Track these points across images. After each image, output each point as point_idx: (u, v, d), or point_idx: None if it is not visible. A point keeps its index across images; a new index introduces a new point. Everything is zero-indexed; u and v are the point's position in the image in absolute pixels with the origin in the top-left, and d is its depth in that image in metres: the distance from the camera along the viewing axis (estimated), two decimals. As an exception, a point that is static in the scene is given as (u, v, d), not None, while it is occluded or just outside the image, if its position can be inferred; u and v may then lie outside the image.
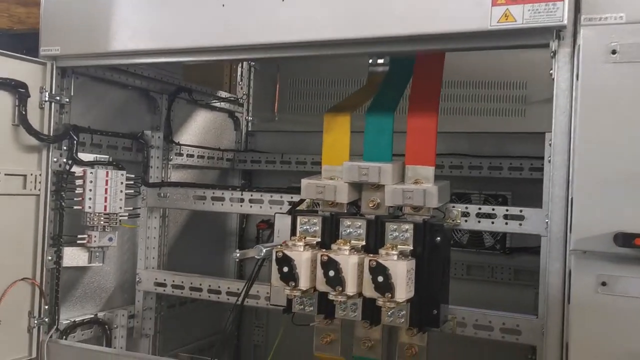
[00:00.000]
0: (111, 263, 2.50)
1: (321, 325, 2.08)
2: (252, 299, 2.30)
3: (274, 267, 1.85)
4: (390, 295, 1.70)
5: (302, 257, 1.83)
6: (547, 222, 1.86)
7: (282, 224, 2.08)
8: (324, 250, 1.86)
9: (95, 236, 2.21)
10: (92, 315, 2.38)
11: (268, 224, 3.26)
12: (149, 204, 2.56)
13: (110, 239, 2.24)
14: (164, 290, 2.52)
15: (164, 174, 2.67)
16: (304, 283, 1.83)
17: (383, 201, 2.00)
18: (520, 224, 1.96)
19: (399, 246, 1.82)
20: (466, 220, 2.00)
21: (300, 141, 3.18)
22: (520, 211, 1.96)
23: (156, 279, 2.53)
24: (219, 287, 2.40)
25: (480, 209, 2.01)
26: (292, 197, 2.27)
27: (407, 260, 1.75)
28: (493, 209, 1.99)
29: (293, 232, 2.01)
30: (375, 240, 1.90)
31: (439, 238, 1.87)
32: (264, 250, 1.91)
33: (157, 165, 2.60)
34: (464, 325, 2.01)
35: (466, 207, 2.02)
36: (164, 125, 2.68)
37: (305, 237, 1.93)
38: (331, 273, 1.77)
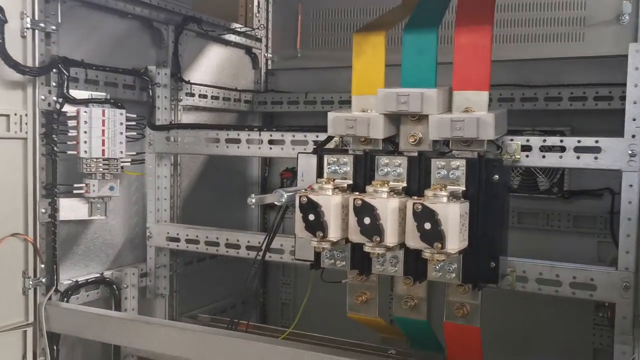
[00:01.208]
0: (118, 217, 2.23)
1: (355, 282, 1.79)
2: (276, 253, 2.02)
3: (298, 215, 1.55)
4: (439, 246, 1.39)
5: (330, 202, 1.52)
6: (630, 152, 1.53)
7: (307, 165, 1.76)
8: (356, 193, 1.55)
9: (94, 185, 1.93)
10: (98, 275, 2.12)
11: (293, 172, 2.96)
12: (157, 150, 2.27)
13: (112, 188, 1.96)
14: (177, 246, 2.25)
15: (173, 117, 2.37)
16: (333, 233, 1.53)
17: (426, 135, 1.67)
18: (596, 158, 1.61)
19: (448, 187, 1.50)
20: (527, 156, 1.66)
21: (326, 79, 2.84)
22: (596, 142, 1.61)
23: (168, 233, 2.26)
24: (237, 240, 2.12)
25: (544, 141, 1.66)
26: (317, 136, 1.95)
27: (460, 202, 1.43)
28: (562, 140, 1.65)
29: (319, 174, 1.71)
30: (418, 181, 1.58)
31: (496, 176, 1.54)
32: (285, 195, 1.60)
33: (164, 106, 2.29)
34: (525, 280, 1.70)
35: (527, 140, 1.68)
36: (171, 60, 2.36)
37: (334, 180, 1.62)
38: (367, 220, 1.46)
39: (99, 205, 1.99)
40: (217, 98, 2.64)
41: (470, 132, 1.58)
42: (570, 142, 1.64)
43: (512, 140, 1.68)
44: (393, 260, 1.61)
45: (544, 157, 1.66)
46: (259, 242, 2.02)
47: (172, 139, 2.23)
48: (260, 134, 2.05)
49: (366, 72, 1.79)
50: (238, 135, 2.10)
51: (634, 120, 1.57)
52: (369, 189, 1.52)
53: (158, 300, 2.38)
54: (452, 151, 1.66)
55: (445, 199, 1.42)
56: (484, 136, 1.57)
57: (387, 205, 1.46)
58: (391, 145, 1.75)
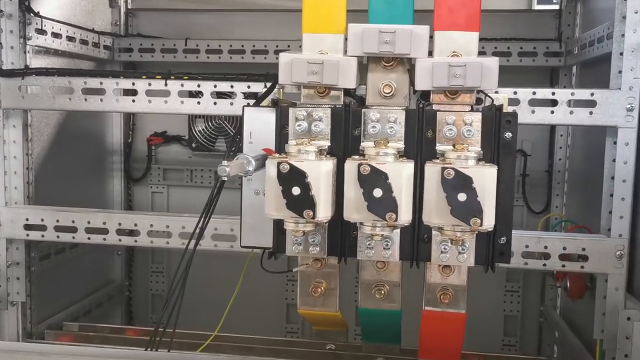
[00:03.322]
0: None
1: (310, 270, 1.42)
2: (158, 237, 1.59)
3: (273, 188, 1.13)
4: (478, 222, 1.08)
5: (320, 169, 1.13)
6: (628, 106, 1.37)
7: (257, 122, 1.33)
8: (357, 157, 1.18)
9: None
10: None
11: (164, 137, 2.45)
12: (5, 105, 1.63)
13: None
14: (43, 236, 1.66)
15: (21, 60, 1.73)
16: (324, 211, 1.14)
17: (401, 86, 1.35)
18: (591, 113, 1.43)
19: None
20: (514, 110, 1.42)
21: (209, 22, 2.36)
22: (591, 94, 1.43)
23: (27, 219, 1.66)
24: (135, 225, 1.61)
25: (534, 93, 1.44)
26: (249, 87, 1.52)
27: (491, 166, 1.13)
28: (553, 93, 1.44)
29: (280, 135, 1.29)
30: (419, 141, 1.26)
31: (509, 134, 1.27)
32: (253, 163, 1.17)
33: (10, 45, 1.65)
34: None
35: (515, 92, 1.45)
36: (15, -18, 1.72)
37: (311, 140, 1.22)
38: (377, 192, 1.10)
39: None
40: (73, 39, 2.02)
41: (472, 81, 1.28)
42: (562, 94, 1.44)
43: (496, 92, 1.43)
44: (386, 243, 1.27)
45: (533, 112, 1.45)
46: (136, 225, 1.55)
47: (27, 89, 1.62)
48: (166, 83, 1.55)
49: (322, 2, 1.40)
50: (133, 84, 1.57)
51: (632, 69, 1.42)
52: (369, 150, 1.15)
53: (9, 310, 1.76)
54: (430, 105, 1.36)
55: (473, 161, 1.12)
56: (488, 85, 1.29)
57: (402, 171, 1.11)
58: (354, 100, 1.40)
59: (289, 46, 2.23)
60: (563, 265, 1.48)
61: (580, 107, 1.43)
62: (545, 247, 1.47)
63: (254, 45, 2.25)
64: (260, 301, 2.33)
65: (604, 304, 1.51)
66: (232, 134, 2.38)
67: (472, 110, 1.27)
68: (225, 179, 1.08)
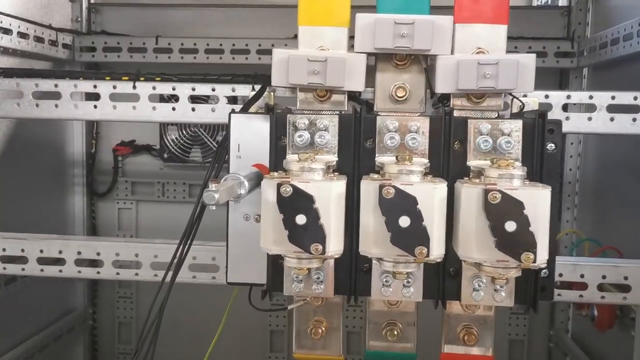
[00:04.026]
0: None
1: (308, 307, 1.19)
2: (125, 268, 1.35)
3: (270, 215, 0.90)
4: (531, 257, 0.87)
5: (330, 191, 0.91)
6: None
7: (247, 133, 1.10)
8: (375, 176, 0.95)
9: None
10: None
11: (132, 146, 2.19)
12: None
13: None
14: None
15: (-38, 59, 1.47)
16: (335, 244, 0.91)
17: (416, 88, 1.13)
18: (634, 120, 1.23)
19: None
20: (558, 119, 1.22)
21: (182, 19, 2.12)
22: (635, 98, 1.23)
23: (-31, 247, 1.39)
24: (60, 252, 1.35)
25: (569, 97, 1.24)
26: (233, 90, 1.29)
27: (543, 187, 0.91)
28: (591, 97, 1.24)
29: (276, 148, 1.06)
30: (446, 155, 1.04)
31: (552, 145, 1.06)
32: (247, 184, 0.93)
33: (-51, 41, 1.39)
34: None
35: (546, 96, 1.24)
36: (-46, -33, 1.45)
37: (316, 154, 0.99)
38: (404, 221, 0.87)
39: None
40: (25, 36, 1.76)
41: (506, 82, 1.07)
42: (602, 98, 1.23)
43: (524, 95, 1.22)
44: (407, 279, 1.04)
45: (567, 119, 1.24)
46: (99, 254, 1.31)
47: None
48: (134, 85, 1.31)
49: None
50: (95, 87, 1.32)
51: (682, 70, 1.23)
52: (390, 167, 0.93)
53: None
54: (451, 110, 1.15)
55: (519, 182, 0.91)
56: (524, 87, 1.08)
57: (433, 195, 0.89)
58: (360, 106, 1.18)
59: (273, 45, 2.00)
60: (602, 297, 1.27)
61: (621, 113, 1.23)
62: (582, 276, 1.26)
63: (233, 44, 2.01)
64: (241, 328, 2.08)
65: (646, 339, 1.31)
66: (209, 143, 2.13)
67: (498, 117, 1.05)
68: (214, 207, 0.85)
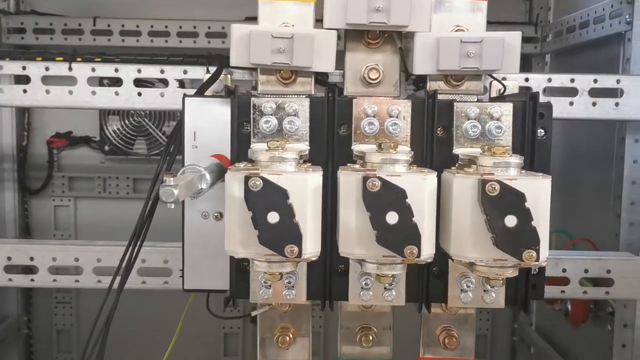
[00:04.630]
0: None
1: (273, 313, 1.08)
2: (64, 274, 1.20)
3: (237, 213, 0.78)
4: (533, 255, 0.77)
5: (306, 185, 0.79)
6: None
7: (204, 119, 0.97)
8: (352, 166, 0.83)
9: None
10: None
11: (69, 138, 2.01)
12: None
13: None
14: None
15: None
16: (312, 245, 0.80)
17: (390, 70, 1.03)
18: (617, 105, 1.17)
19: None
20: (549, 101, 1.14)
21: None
22: (617, 81, 1.17)
23: None
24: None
25: (550, 80, 1.16)
26: (185, 73, 1.15)
27: (544, 177, 0.82)
28: (573, 80, 1.16)
29: (238, 136, 0.93)
30: (429, 143, 0.93)
31: (541, 131, 0.97)
32: (208, 178, 0.80)
33: None
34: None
35: (526, 79, 1.16)
36: None
37: (286, 142, 0.86)
38: (392, 218, 0.76)
39: None
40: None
41: (491, 63, 0.98)
42: (583, 81, 1.16)
43: (504, 78, 1.13)
44: (391, 282, 0.93)
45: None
46: (56, 259, 1.15)
47: None
48: (70, 66, 1.15)
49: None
50: (24, 69, 1.15)
51: (666, 52, 1.17)
52: (372, 156, 0.81)
53: None
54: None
55: (516, 171, 0.81)
56: (509, 68, 0.99)
57: (423, 187, 0.78)
58: (334, 88, 1.06)
59: (223, 28, 1.87)
60: (584, 292, 1.21)
61: (605, 98, 1.16)
62: (564, 271, 1.19)
63: (180, 27, 1.86)
64: (193, 330, 1.93)
65: (625, 334, 1.26)
66: (155, 134, 1.97)
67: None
68: (173, 206, 0.71)
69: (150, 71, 1.15)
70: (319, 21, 1.05)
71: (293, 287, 0.94)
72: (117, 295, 1.00)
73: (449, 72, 1.00)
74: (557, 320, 1.82)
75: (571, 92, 1.16)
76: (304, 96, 0.96)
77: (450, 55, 0.98)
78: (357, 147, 0.90)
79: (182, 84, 1.20)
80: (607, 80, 1.16)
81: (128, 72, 1.15)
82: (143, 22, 1.85)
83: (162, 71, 1.15)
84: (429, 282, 0.95)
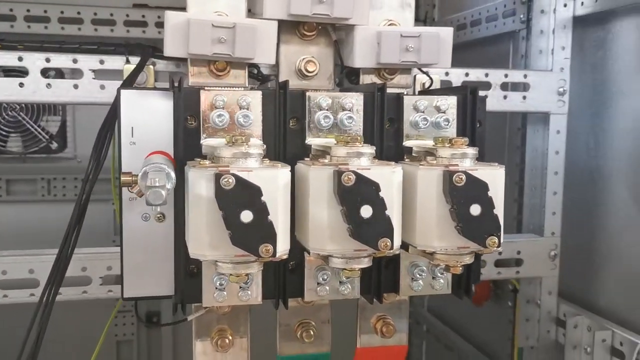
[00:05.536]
0: None
1: (209, 315, 1.03)
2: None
3: (205, 214, 0.73)
4: (495, 242, 0.81)
5: (277, 181, 0.76)
6: (561, 90, 1.24)
7: (142, 114, 0.89)
8: (320, 162, 0.81)
9: None
10: None
11: None
12: None
13: None
14: None
15: None
16: (283, 243, 0.77)
17: (325, 63, 1.04)
18: (524, 98, 1.26)
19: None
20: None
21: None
22: (525, 76, 1.26)
23: None
24: None
25: (467, 74, 1.22)
26: (102, 63, 1.05)
27: (499, 167, 0.86)
28: (487, 74, 1.23)
29: (184, 131, 0.87)
30: (379, 136, 0.94)
31: (477, 124, 1.02)
32: (173, 176, 0.73)
33: None
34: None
35: (447, 74, 1.21)
36: None
37: (242, 136, 0.82)
38: (366, 211, 0.76)
39: None
40: None
41: (428, 57, 1.01)
42: (496, 76, 1.24)
43: (426, 72, 1.17)
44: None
45: (465, 97, 1.22)
46: None
47: None
48: (-37, 55, 1.00)
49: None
50: None
51: (563, 48, 1.28)
52: (337, 150, 0.80)
53: None
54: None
55: (472, 162, 0.84)
56: (444, 62, 1.03)
57: (392, 179, 0.79)
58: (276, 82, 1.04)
59: (112, 15, 1.74)
60: (499, 273, 1.29)
61: (515, 92, 1.25)
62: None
63: (62, 12, 1.70)
64: (81, 338, 1.78)
65: (529, 309, 1.37)
66: (33, 130, 1.79)
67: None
68: (159, 208, 0.65)
69: (61, 60, 1.04)
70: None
71: (248, 288, 0.90)
72: (43, 308, 0.89)
73: (390, 65, 1.02)
74: (450, 300, 1.94)
75: (485, 85, 1.23)
76: (245, 88, 0.93)
77: (391, 49, 0.99)
78: (315, 141, 0.89)
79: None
80: (515, 75, 1.25)
81: (35, 61, 1.02)
82: (17, 5, 1.66)
83: (74, 60, 1.04)
84: (380, 274, 0.97)
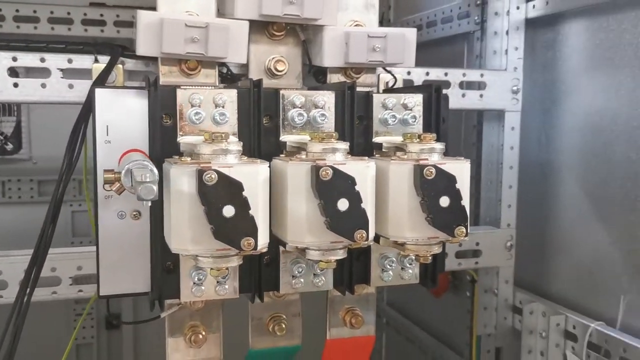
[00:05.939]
0: None
1: (182, 312, 1.05)
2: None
3: (187, 209, 0.74)
4: (463, 231, 0.85)
5: (257, 177, 0.78)
6: (514, 88, 1.31)
7: (117, 112, 0.90)
8: (300, 156, 0.84)
9: None
10: None
11: None
12: None
13: None
14: None
15: None
16: (264, 236, 0.79)
17: (294, 62, 1.07)
18: (481, 96, 1.32)
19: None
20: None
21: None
22: (481, 75, 1.32)
23: None
24: None
25: (428, 74, 1.27)
26: (70, 62, 1.05)
27: (465, 160, 0.91)
28: (446, 74, 1.29)
29: (160, 130, 0.88)
30: (350, 133, 0.97)
31: (442, 120, 1.06)
32: (156, 173, 0.75)
33: None
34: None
35: (409, 73, 1.26)
36: None
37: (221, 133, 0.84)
38: (343, 204, 0.79)
39: None
40: None
41: (394, 56, 1.05)
42: (455, 75, 1.29)
43: (389, 71, 1.21)
44: (319, 269, 0.96)
45: (426, 95, 1.27)
46: None
47: None
48: None
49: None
50: None
51: (517, 49, 1.34)
52: (313, 146, 0.83)
53: None
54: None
55: (440, 156, 0.89)
56: (408, 62, 1.08)
57: (366, 174, 0.82)
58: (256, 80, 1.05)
59: (69, 13, 1.71)
60: (459, 264, 1.35)
61: (473, 90, 1.31)
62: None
63: (17, 10, 1.66)
64: (40, 342, 1.75)
65: (486, 298, 1.43)
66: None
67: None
68: (149, 203, 0.66)
69: (28, 59, 1.03)
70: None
71: (225, 282, 0.92)
72: (18, 311, 0.89)
73: (357, 65, 1.06)
74: (409, 293, 2.00)
75: (445, 84, 1.28)
76: (212, 86, 0.95)
77: (359, 49, 1.03)
78: (290, 138, 0.91)
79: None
80: (473, 75, 1.31)
81: (1, 60, 1.01)
82: (6, 5, 1.63)
83: (42, 59, 1.03)
84: (352, 265, 1.00)
